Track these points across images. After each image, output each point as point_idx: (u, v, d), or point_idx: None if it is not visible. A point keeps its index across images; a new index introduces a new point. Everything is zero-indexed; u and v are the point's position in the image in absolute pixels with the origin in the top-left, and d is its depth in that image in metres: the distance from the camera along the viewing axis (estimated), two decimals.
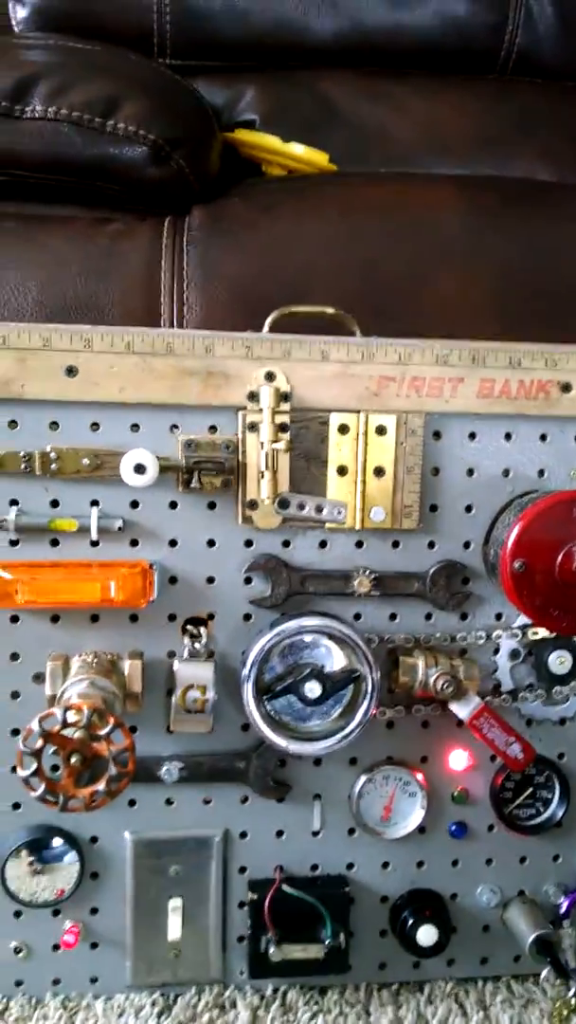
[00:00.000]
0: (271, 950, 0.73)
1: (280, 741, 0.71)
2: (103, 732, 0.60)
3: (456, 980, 0.80)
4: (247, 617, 0.74)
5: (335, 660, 0.72)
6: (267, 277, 0.82)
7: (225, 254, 0.83)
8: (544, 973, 0.75)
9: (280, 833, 0.76)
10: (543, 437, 0.75)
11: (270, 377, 0.71)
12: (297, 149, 1.26)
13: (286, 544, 0.73)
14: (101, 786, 0.61)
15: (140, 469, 0.68)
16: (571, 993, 0.76)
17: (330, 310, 0.76)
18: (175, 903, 0.75)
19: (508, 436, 0.75)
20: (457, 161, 1.28)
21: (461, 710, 0.72)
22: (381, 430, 0.72)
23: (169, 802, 0.75)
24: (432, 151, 1.33)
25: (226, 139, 1.27)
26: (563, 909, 0.79)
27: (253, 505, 0.72)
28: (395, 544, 0.75)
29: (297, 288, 0.79)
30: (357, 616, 0.75)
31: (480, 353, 0.73)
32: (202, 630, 0.73)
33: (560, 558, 0.68)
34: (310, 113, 1.36)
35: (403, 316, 0.78)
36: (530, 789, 0.78)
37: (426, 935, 0.75)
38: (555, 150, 1.36)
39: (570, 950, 0.79)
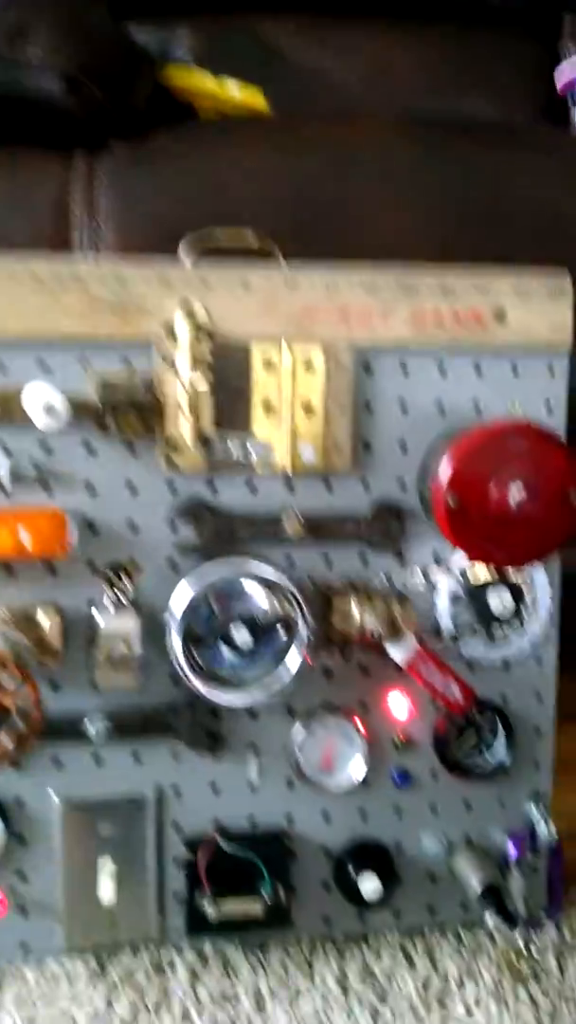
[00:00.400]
0: (208, 908, 0.71)
1: (211, 692, 0.68)
2: (10, 686, 0.57)
3: (403, 931, 0.78)
4: (173, 565, 0.70)
5: (267, 607, 0.69)
6: (189, 209, 0.78)
7: (144, 186, 0.79)
8: (491, 921, 0.73)
9: (216, 788, 0.74)
10: (478, 369, 0.72)
11: (187, 308, 0.67)
12: (232, 90, 1.21)
13: (212, 487, 0.70)
14: (5, 741, 0.57)
15: (50, 410, 0.64)
16: (517, 940, 0.74)
17: (252, 238, 0.72)
18: (108, 864, 0.72)
19: (442, 369, 0.71)
20: (405, 106, 1.24)
21: (398, 653, 0.70)
22: (308, 364, 0.69)
23: (98, 760, 0.72)
24: (379, 97, 1.29)
25: (158, 81, 1.22)
26: (511, 855, 0.77)
27: (174, 446, 0.68)
28: (327, 485, 0.71)
29: (222, 221, 0.75)
30: (290, 561, 0.72)
31: (410, 280, 0.69)
32: (125, 580, 0.70)
33: (494, 492, 0.65)
34: (249, 56, 1.31)
35: (335, 249, 0.73)
36: (474, 733, 0.76)
37: (370, 887, 0.73)
38: (505, 95, 1.32)
39: (519, 895, 0.77)
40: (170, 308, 0.66)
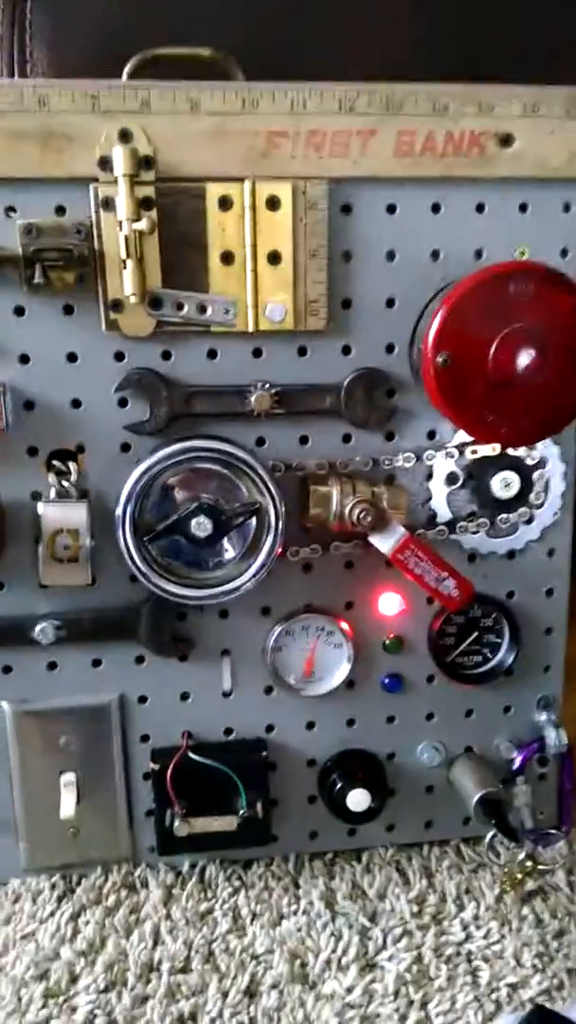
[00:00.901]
0: (176, 824, 0.64)
1: (167, 587, 0.60)
2: None
3: (398, 846, 0.72)
4: (125, 447, 0.61)
5: (232, 492, 0.61)
6: (135, 24, 0.65)
7: None
8: (490, 836, 0.66)
9: (185, 696, 0.66)
10: (479, 207, 0.60)
11: (125, 136, 0.55)
12: None
13: (166, 356, 0.60)
14: None
15: None
16: (522, 855, 0.68)
17: (205, 51, 0.60)
18: (67, 778, 0.65)
19: (436, 207, 0.60)
20: None
21: (383, 543, 0.61)
22: (273, 203, 0.58)
23: (52, 666, 0.64)
24: None
25: None
26: (516, 765, 0.70)
27: (118, 306, 0.58)
28: (301, 351, 0.61)
29: (174, 36, 0.63)
30: (260, 441, 0.62)
31: (395, 96, 0.57)
32: (71, 465, 0.61)
33: (494, 350, 0.54)
34: None
35: (313, 67, 0.61)
36: (475, 634, 0.68)
37: (357, 799, 0.66)
38: None
39: (525, 808, 0.70)
40: (105, 136, 0.55)
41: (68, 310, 0.58)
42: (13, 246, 0.56)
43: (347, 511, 0.60)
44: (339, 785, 0.67)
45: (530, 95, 0.59)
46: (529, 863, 0.69)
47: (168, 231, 0.57)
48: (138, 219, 0.55)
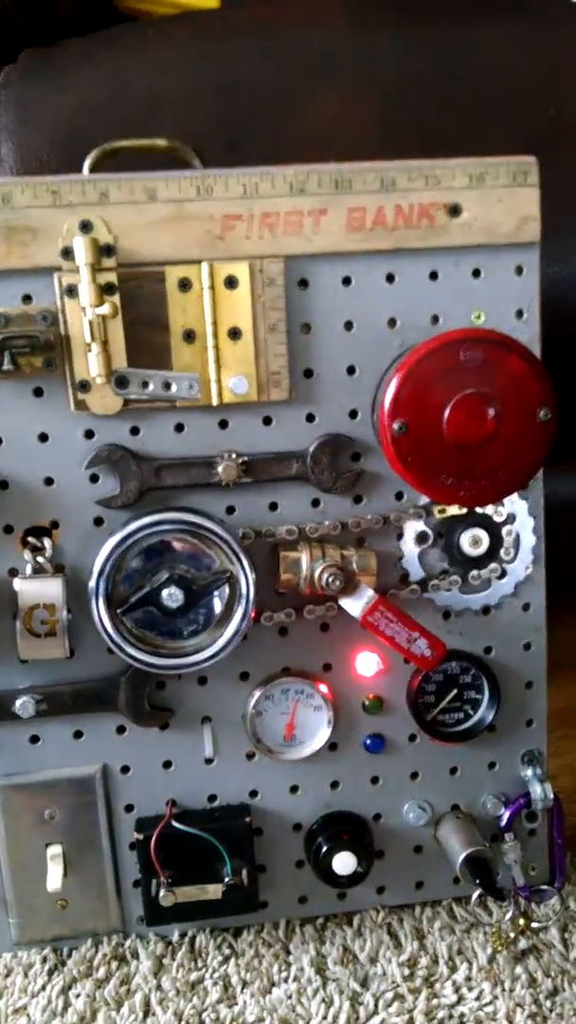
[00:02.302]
0: (161, 894, 0.64)
1: (143, 658, 0.61)
2: None
3: (389, 909, 0.71)
4: (98, 521, 0.62)
5: (203, 561, 0.62)
6: (100, 117, 0.69)
7: (48, 94, 0.69)
8: (476, 895, 0.66)
9: (168, 764, 0.67)
10: (433, 275, 0.62)
11: (85, 227, 0.58)
12: None
13: (134, 431, 0.62)
14: None
15: None
16: (510, 913, 0.67)
17: (162, 142, 0.63)
18: (54, 850, 0.66)
19: (390, 277, 0.62)
20: None
21: (353, 607, 0.61)
22: (231, 282, 0.60)
23: (34, 739, 0.65)
24: None
25: None
26: (504, 821, 0.69)
27: (85, 387, 0.60)
28: (266, 420, 0.63)
29: (136, 125, 0.66)
30: (230, 509, 0.64)
31: (344, 176, 0.60)
32: (45, 541, 0.62)
33: (448, 415, 0.56)
34: None
35: (268, 148, 0.64)
36: (454, 691, 0.68)
37: (343, 863, 0.66)
38: None
39: (516, 865, 0.69)
40: (66, 227, 0.58)
41: (38, 392, 0.60)
42: None
43: (316, 575, 0.61)
44: (325, 849, 0.66)
45: (475, 166, 0.61)
46: (522, 920, 0.68)
47: (131, 313, 0.59)
48: (101, 304, 0.58)
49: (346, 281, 0.61)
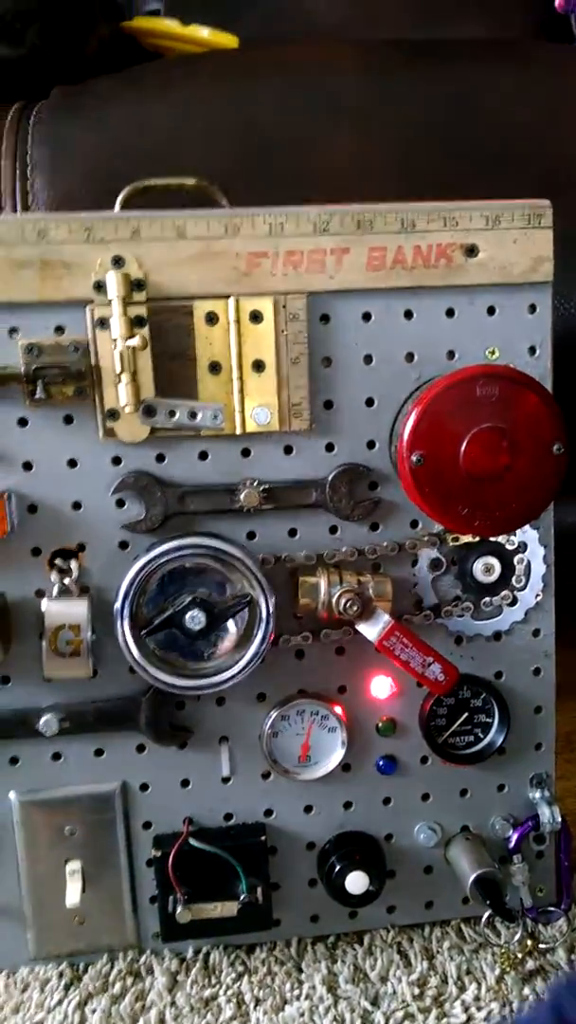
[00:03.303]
0: (178, 911, 0.66)
1: (165, 678, 0.63)
2: None
3: (399, 928, 0.72)
4: (123, 545, 0.64)
5: (224, 586, 0.64)
6: (127, 154, 0.71)
7: (79, 131, 0.72)
8: (486, 916, 0.67)
9: (186, 782, 0.68)
10: (450, 312, 0.64)
11: (117, 262, 0.60)
12: (202, 32, 1.14)
13: (160, 458, 0.64)
14: None
15: None
16: (519, 934, 0.68)
17: (190, 181, 0.65)
18: (73, 866, 0.67)
19: (408, 314, 0.64)
20: (391, 33, 1.15)
21: (369, 631, 0.63)
22: (256, 316, 0.62)
23: (56, 757, 0.67)
24: (359, 25, 1.20)
25: (125, 30, 1.15)
26: (512, 843, 0.71)
27: (114, 415, 0.62)
28: (287, 449, 0.65)
29: (162, 163, 0.68)
30: (251, 535, 0.66)
31: (366, 217, 0.62)
32: (72, 563, 0.64)
33: (464, 448, 0.58)
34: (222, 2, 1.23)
35: (288, 187, 0.67)
36: (465, 714, 0.70)
37: (355, 882, 0.67)
38: (500, 16, 1.22)
39: (524, 886, 0.71)
40: (99, 263, 0.60)
41: (68, 420, 0.62)
42: (16, 364, 0.61)
43: (334, 601, 0.63)
44: (338, 868, 0.68)
45: (492, 208, 0.64)
46: (529, 942, 0.69)
47: (159, 345, 0.61)
48: (131, 336, 0.60)
49: (366, 317, 0.64)
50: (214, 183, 0.66)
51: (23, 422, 0.62)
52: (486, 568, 0.67)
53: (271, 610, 0.63)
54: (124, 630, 0.62)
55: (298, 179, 0.71)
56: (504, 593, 0.68)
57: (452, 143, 0.75)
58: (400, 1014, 0.65)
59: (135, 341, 0.60)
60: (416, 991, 0.67)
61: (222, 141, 0.73)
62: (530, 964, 0.69)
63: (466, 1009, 0.65)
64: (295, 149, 0.74)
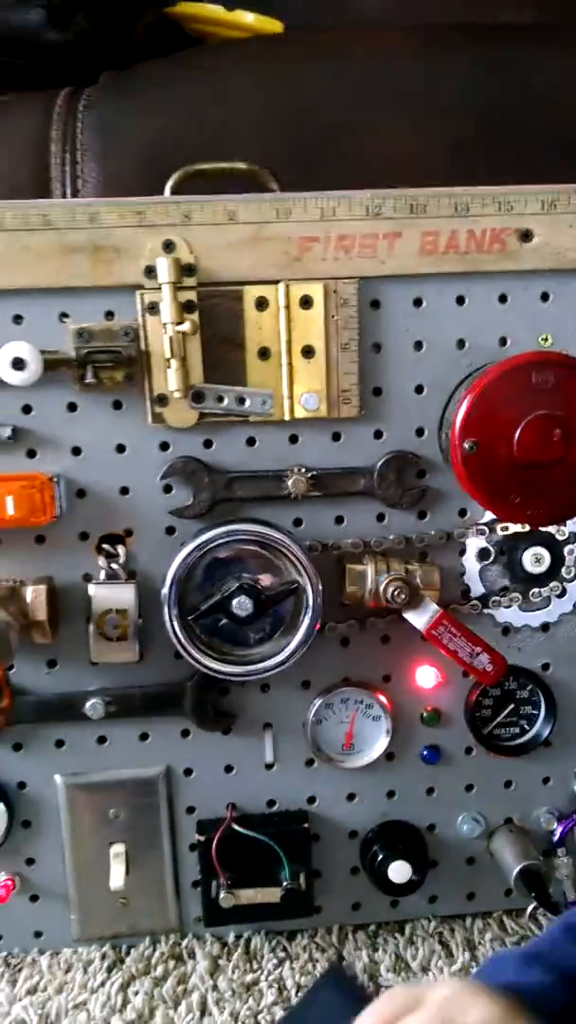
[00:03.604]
0: (221, 895, 0.66)
1: (210, 664, 0.63)
2: None
3: (440, 918, 0.72)
4: (170, 530, 0.64)
5: (271, 573, 0.63)
6: (177, 139, 0.71)
7: (128, 116, 0.72)
8: (531, 908, 0.67)
9: (230, 768, 0.68)
10: (503, 298, 0.63)
11: (168, 247, 0.60)
12: (246, 18, 1.13)
13: (208, 444, 0.64)
14: None
15: (18, 364, 0.58)
16: None
17: (242, 165, 0.65)
18: (117, 849, 0.68)
19: (460, 300, 0.63)
20: (436, 20, 1.13)
21: (417, 620, 0.63)
22: (307, 302, 0.62)
23: (102, 740, 0.67)
24: (403, 12, 1.18)
25: (169, 15, 1.15)
26: (557, 836, 0.70)
27: (163, 401, 0.62)
28: (335, 436, 0.64)
29: (213, 148, 0.68)
30: (298, 522, 0.65)
31: (419, 201, 0.61)
32: (119, 548, 0.64)
33: (518, 434, 0.57)
34: None
35: (339, 173, 0.66)
36: (511, 705, 0.69)
37: (398, 871, 0.67)
38: (544, 2, 1.20)
39: (568, 880, 0.70)
40: (150, 247, 0.60)
41: (117, 405, 0.62)
42: (67, 349, 0.61)
43: (382, 589, 0.63)
44: (381, 857, 0.68)
45: (548, 192, 0.62)
46: None
47: (209, 331, 0.61)
48: (181, 322, 0.60)
49: (417, 302, 0.63)
50: (265, 168, 0.65)
51: (72, 407, 0.62)
52: (535, 558, 0.66)
53: (318, 598, 0.62)
54: (171, 615, 0.62)
55: (350, 165, 0.70)
56: (553, 584, 0.67)
57: (506, 127, 0.73)
58: None
59: (185, 326, 0.60)
60: None
61: (273, 126, 0.72)
62: None
63: None
64: (347, 134, 0.73)
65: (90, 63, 0.81)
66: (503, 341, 0.64)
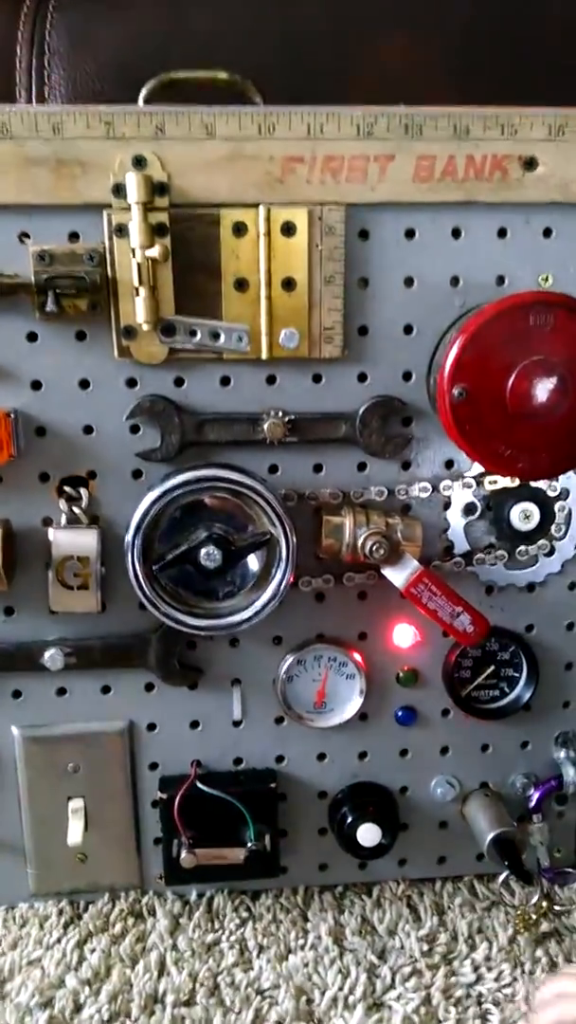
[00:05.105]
0: (183, 855, 0.64)
1: (177, 616, 0.59)
2: None
3: (409, 881, 0.70)
4: (136, 474, 0.60)
5: (243, 521, 0.60)
6: (155, 47, 0.65)
7: (102, 21, 0.65)
8: (503, 876, 0.65)
9: (195, 724, 0.66)
10: (502, 232, 0.59)
11: (139, 163, 0.55)
12: None
13: (178, 382, 0.59)
14: None
15: None
16: (535, 898, 0.66)
17: (223, 75, 0.59)
18: (75, 804, 0.65)
19: (456, 232, 0.58)
20: None
21: (396, 576, 0.59)
22: (289, 229, 0.57)
23: (61, 692, 0.64)
24: None
25: None
26: (533, 802, 0.68)
27: (130, 333, 0.57)
28: (316, 378, 0.60)
29: (194, 59, 0.62)
30: (273, 468, 0.61)
31: (415, 120, 0.56)
32: (82, 491, 0.60)
33: (512, 381, 0.53)
34: None
35: (333, 90, 0.61)
36: (491, 667, 0.66)
37: (367, 834, 0.64)
38: None
39: (541, 846, 0.68)
40: (119, 162, 0.55)
41: (80, 336, 0.58)
42: (26, 273, 0.56)
43: (360, 542, 0.59)
44: (350, 819, 0.65)
45: (555, 117, 0.57)
46: (544, 903, 0.67)
47: (182, 258, 0.56)
48: (151, 246, 0.55)
49: (409, 234, 0.58)
50: (248, 79, 0.59)
51: (32, 337, 0.57)
52: (524, 515, 0.62)
53: (292, 550, 0.59)
54: (135, 564, 0.58)
55: (343, 81, 0.65)
56: (541, 542, 0.63)
57: (512, 44, 0.67)
58: (407, 969, 0.63)
59: (155, 251, 0.55)
60: (425, 947, 0.65)
61: (261, 37, 0.66)
62: (544, 926, 0.66)
63: (476, 968, 0.63)
64: (341, 48, 0.67)
65: None
66: (500, 280, 0.59)
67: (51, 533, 0.60)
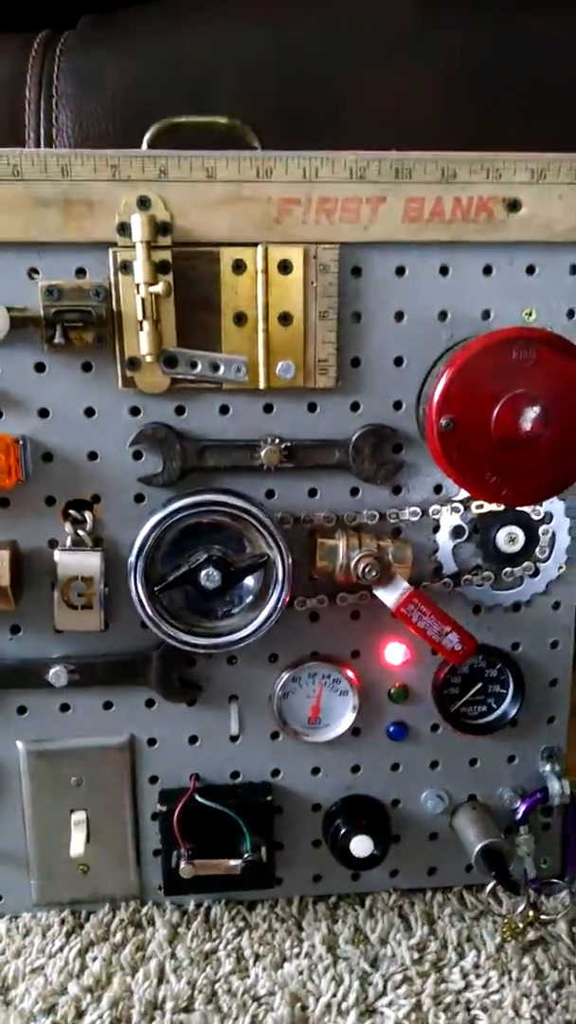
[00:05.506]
0: (181, 866, 0.66)
1: (177, 635, 0.62)
2: None
3: (401, 892, 0.72)
4: (139, 498, 0.63)
5: (241, 544, 0.62)
6: (157, 88, 0.68)
7: (108, 63, 0.69)
8: (491, 886, 0.67)
9: (194, 739, 0.68)
10: (487, 269, 0.62)
11: (143, 204, 0.58)
12: None
13: (180, 411, 0.62)
14: None
15: None
16: (522, 907, 0.68)
17: (222, 120, 0.62)
18: (78, 816, 0.67)
19: (444, 270, 0.61)
20: None
21: (387, 597, 0.62)
22: (285, 266, 0.60)
23: (65, 708, 0.66)
24: None
25: None
26: (519, 814, 0.70)
27: (134, 364, 0.60)
28: (311, 407, 0.63)
29: (195, 100, 0.65)
30: (270, 493, 0.64)
31: (404, 164, 0.59)
32: (86, 514, 0.63)
33: (497, 412, 0.56)
34: None
35: (326, 131, 0.64)
36: (479, 684, 0.69)
37: (360, 846, 0.67)
38: None
39: (528, 857, 0.70)
40: (124, 203, 0.58)
41: (87, 367, 0.60)
42: (36, 307, 0.58)
43: (353, 564, 0.62)
44: (343, 831, 0.68)
45: (538, 161, 0.60)
46: (531, 913, 0.69)
47: (183, 293, 0.59)
48: (155, 282, 0.58)
49: (399, 271, 0.61)
50: (247, 124, 0.62)
51: (40, 367, 0.60)
52: (509, 537, 0.65)
53: (288, 571, 0.61)
54: (137, 585, 0.61)
55: (336, 118, 0.68)
56: (526, 564, 0.66)
57: (499, 87, 0.71)
58: (399, 977, 0.65)
59: (159, 287, 0.58)
60: (415, 955, 0.67)
61: (258, 78, 0.69)
62: (531, 935, 0.68)
63: (464, 976, 0.66)
64: (337, 92, 0.70)
65: (71, 5, 0.78)
66: (486, 314, 0.62)
67: (57, 555, 0.62)
